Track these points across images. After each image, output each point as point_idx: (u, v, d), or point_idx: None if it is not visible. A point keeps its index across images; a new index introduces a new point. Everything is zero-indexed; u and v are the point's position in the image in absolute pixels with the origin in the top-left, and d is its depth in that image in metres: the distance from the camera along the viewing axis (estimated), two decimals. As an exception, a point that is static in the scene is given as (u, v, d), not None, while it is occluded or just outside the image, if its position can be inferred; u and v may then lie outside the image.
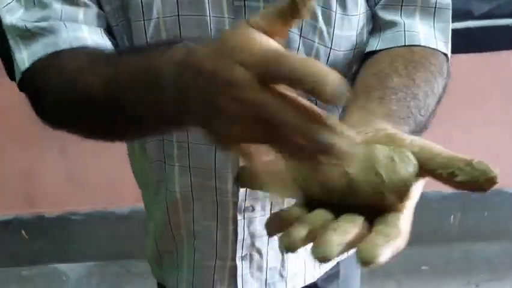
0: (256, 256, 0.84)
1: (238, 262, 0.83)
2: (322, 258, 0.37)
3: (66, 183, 2.17)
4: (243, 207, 0.78)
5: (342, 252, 0.38)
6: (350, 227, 0.40)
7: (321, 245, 0.38)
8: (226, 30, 0.44)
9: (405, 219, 0.42)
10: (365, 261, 0.37)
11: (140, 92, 0.49)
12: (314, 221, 0.41)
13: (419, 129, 0.59)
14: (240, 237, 0.80)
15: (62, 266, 2.31)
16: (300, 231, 0.40)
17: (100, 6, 0.68)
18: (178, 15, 0.66)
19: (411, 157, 0.42)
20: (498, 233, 2.34)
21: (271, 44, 0.41)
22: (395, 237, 0.39)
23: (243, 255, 0.83)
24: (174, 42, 0.47)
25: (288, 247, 0.39)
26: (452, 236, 2.31)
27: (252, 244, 0.82)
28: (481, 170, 0.40)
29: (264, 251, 0.83)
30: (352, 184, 0.42)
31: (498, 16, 1.99)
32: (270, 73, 0.37)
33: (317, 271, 0.90)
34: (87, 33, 0.65)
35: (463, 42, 1.94)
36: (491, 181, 0.40)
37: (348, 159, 0.38)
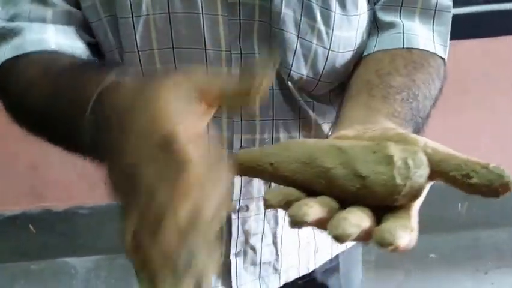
0: (250, 252, 0.83)
1: (232, 258, 0.83)
2: (339, 236, 0.37)
3: (73, 177, 2.18)
4: (237, 207, 0.78)
5: (356, 237, 0.37)
6: (363, 215, 0.39)
7: (339, 222, 0.37)
8: (162, 76, 0.41)
9: (414, 216, 0.41)
10: (384, 243, 0.36)
11: (65, 111, 0.50)
12: (322, 202, 0.41)
13: (417, 131, 0.58)
14: (234, 235, 0.80)
15: (71, 260, 2.32)
16: (312, 206, 0.39)
17: (74, 2, 0.66)
18: (169, 12, 0.64)
19: (425, 161, 0.41)
20: (506, 220, 2.33)
21: (185, 115, 0.39)
22: (410, 229, 0.38)
23: (237, 251, 0.82)
24: (112, 67, 0.47)
25: (299, 220, 0.38)
26: (460, 223, 2.31)
27: (246, 241, 0.82)
28: (497, 174, 0.39)
29: (258, 247, 0.83)
30: (365, 185, 0.41)
31: (503, 0, 1.97)
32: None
33: (312, 263, 0.90)
34: (52, 34, 0.64)
35: (468, 26, 1.93)
36: (506, 186, 0.39)
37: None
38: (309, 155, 0.43)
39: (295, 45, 0.66)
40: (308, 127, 0.75)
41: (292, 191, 0.43)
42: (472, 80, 2.05)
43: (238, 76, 0.42)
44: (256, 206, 0.79)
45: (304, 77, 0.68)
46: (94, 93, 0.44)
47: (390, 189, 0.40)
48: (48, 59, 0.61)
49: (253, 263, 0.85)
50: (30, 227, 2.28)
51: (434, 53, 0.68)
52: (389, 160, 0.40)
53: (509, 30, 2.01)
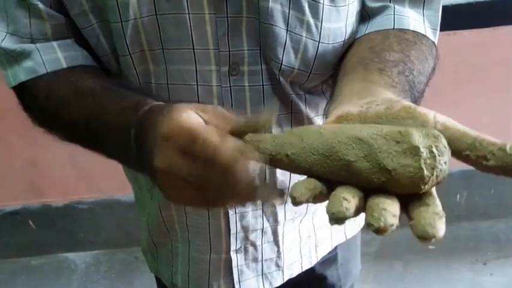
0: (250, 248, 0.83)
1: (233, 255, 0.83)
2: (383, 228, 0.37)
3: (72, 172, 2.18)
4: None
5: (394, 226, 0.38)
6: (395, 204, 0.39)
7: (381, 213, 0.37)
8: (176, 109, 0.49)
9: (437, 199, 0.41)
10: (427, 236, 0.37)
11: (112, 138, 0.60)
12: (351, 193, 0.40)
13: None
14: (233, 231, 0.80)
15: (71, 255, 2.32)
16: (350, 201, 0.39)
17: (64, 12, 0.66)
18: (156, 14, 0.64)
19: (447, 145, 0.41)
20: (505, 210, 2.33)
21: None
22: (443, 214, 0.39)
23: (237, 248, 0.82)
24: (144, 101, 0.56)
25: (339, 217, 0.38)
26: (459, 214, 2.31)
27: (246, 237, 0.82)
28: None
29: (258, 243, 0.83)
30: (391, 178, 0.40)
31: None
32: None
33: (314, 257, 0.90)
34: (60, 53, 0.68)
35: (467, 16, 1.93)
36: None
37: None
38: (328, 147, 0.43)
39: (284, 39, 0.65)
40: (300, 121, 0.75)
41: (317, 185, 0.43)
42: (470, 71, 2.05)
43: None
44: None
45: (295, 70, 0.68)
46: (135, 123, 0.54)
47: (417, 180, 0.40)
48: (71, 79, 0.67)
49: (255, 260, 0.85)
50: (30, 222, 2.28)
51: (425, 35, 0.68)
52: (414, 151, 0.40)
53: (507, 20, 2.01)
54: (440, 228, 0.37)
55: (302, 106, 0.73)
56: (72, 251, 2.33)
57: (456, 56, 1.97)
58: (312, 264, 0.90)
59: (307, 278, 0.91)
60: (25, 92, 0.70)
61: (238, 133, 0.48)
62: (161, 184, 0.50)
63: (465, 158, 0.41)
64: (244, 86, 0.69)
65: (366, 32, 0.68)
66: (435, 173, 0.40)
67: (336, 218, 0.38)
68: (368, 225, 0.38)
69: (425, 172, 0.39)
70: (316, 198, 0.42)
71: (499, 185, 2.26)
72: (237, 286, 0.86)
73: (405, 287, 2.05)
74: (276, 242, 0.84)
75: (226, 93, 0.69)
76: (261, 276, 0.87)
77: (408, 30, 0.66)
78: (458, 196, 2.29)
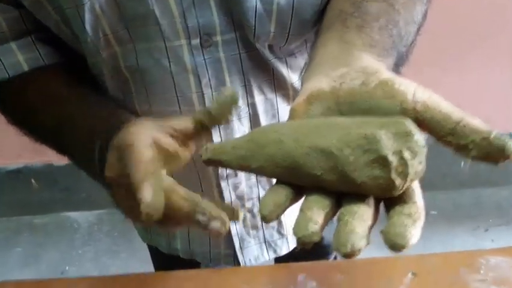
0: (248, 216, 0.82)
1: (231, 223, 0.81)
2: (350, 254, 0.34)
3: (74, 132, 2.17)
4: (225, 175, 0.76)
5: (363, 247, 0.35)
6: (366, 213, 0.37)
7: (348, 237, 0.35)
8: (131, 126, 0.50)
9: (417, 191, 0.38)
10: (397, 247, 0.34)
11: (78, 153, 0.62)
12: (320, 206, 0.38)
13: (401, 62, 0.53)
14: (227, 200, 0.78)
15: (73, 214, 2.34)
16: (317, 222, 0.37)
17: (14, 3, 0.62)
18: None
19: (422, 141, 0.37)
20: (508, 178, 2.33)
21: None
22: (418, 215, 0.36)
23: None
24: (111, 115, 0.58)
25: (305, 241, 0.36)
26: (462, 181, 2.31)
27: (242, 206, 0.80)
28: (497, 147, 0.35)
29: (255, 211, 0.81)
30: (360, 189, 0.37)
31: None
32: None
33: None
34: (20, 55, 0.65)
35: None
36: (506, 158, 0.36)
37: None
38: (291, 160, 0.40)
39: (254, 2, 0.60)
40: (284, 86, 0.72)
41: (284, 197, 0.40)
42: (475, 39, 2.02)
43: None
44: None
45: (272, 33, 0.63)
46: (101, 135, 0.55)
47: (389, 188, 0.37)
48: (35, 84, 0.66)
49: (255, 227, 0.84)
50: (33, 181, 2.29)
51: None
52: (383, 161, 0.36)
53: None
54: (412, 236, 0.35)
55: (284, 70, 0.70)
56: (75, 210, 2.35)
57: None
58: None
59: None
60: None
61: (207, 123, 0.50)
62: (111, 195, 0.52)
63: (447, 144, 0.37)
64: (220, 57, 0.65)
65: None
66: (408, 178, 0.37)
67: (303, 243, 0.36)
68: (335, 249, 0.35)
69: (397, 181, 0.36)
70: (288, 207, 0.40)
71: (504, 152, 2.25)
72: (238, 253, 0.85)
73: (407, 252, 2.06)
74: None
75: (201, 68, 0.65)
76: (264, 244, 0.86)
77: None
78: (462, 163, 2.28)
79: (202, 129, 0.51)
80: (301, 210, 0.38)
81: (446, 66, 2.03)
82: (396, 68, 0.50)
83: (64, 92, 0.64)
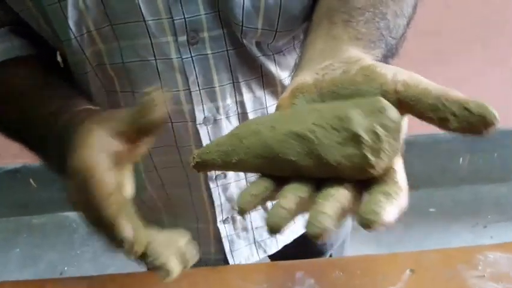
0: (238, 218, 0.81)
1: (220, 225, 0.81)
2: (315, 236, 0.33)
3: (72, 132, 2.16)
4: (214, 176, 0.75)
5: (338, 224, 0.34)
6: (342, 195, 0.36)
7: (314, 220, 0.33)
8: (86, 129, 0.48)
9: (399, 172, 0.37)
10: (368, 223, 0.32)
11: (38, 146, 0.62)
12: (296, 192, 0.37)
13: (390, 54, 0.52)
14: (217, 203, 0.78)
15: (71, 214, 2.34)
16: (283, 210, 0.36)
17: None
18: None
19: (396, 115, 0.36)
20: (507, 174, 2.33)
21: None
22: (396, 194, 0.35)
23: (223, 219, 0.81)
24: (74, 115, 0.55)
25: (273, 227, 0.35)
26: (460, 177, 2.30)
27: (232, 207, 0.79)
28: (479, 115, 0.34)
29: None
30: (336, 171, 0.37)
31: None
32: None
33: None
34: None
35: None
36: (490, 126, 0.34)
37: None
38: (267, 149, 0.39)
39: None
40: (273, 84, 0.71)
41: (263, 188, 0.40)
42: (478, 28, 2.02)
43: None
44: (235, 173, 0.76)
45: (259, 30, 0.62)
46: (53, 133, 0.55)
47: (364, 167, 0.36)
48: (4, 75, 0.65)
49: (245, 229, 0.84)
50: (31, 181, 2.28)
51: None
52: (355, 138, 0.36)
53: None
54: (386, 212, 0.33)
55: (273, 68, 0.69)
56: (73, 210, 2.34)
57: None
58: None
59: (296, 242, 0.90)
60: None
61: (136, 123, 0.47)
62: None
63: (429, 120, 0.36)
64: (207, 54, 0.64)
65: None
66: (382, 154, 0.36)
67: (271, 229, 0.36)
68: (305, 229, 0.34)
69: (371, 159, 0.36)
70: (267, 199, 0.39)
71: (502, 148, 2.25)
72: (229, 256, 0.85)
73: (405, 248, 2.05)
74: (265, 209, 0.82)
75: (188, 65, 0.64)
76: (253, 245, 0.86)
77: None
78: (460, 159, 2.28)
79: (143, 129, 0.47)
80: (276, 202, 0.38)
81: (446, 66, 2.03)
82: (385, 59, 0.49)
83: (26, 86, 0.63)
